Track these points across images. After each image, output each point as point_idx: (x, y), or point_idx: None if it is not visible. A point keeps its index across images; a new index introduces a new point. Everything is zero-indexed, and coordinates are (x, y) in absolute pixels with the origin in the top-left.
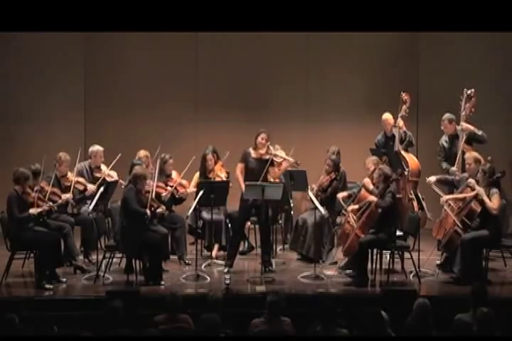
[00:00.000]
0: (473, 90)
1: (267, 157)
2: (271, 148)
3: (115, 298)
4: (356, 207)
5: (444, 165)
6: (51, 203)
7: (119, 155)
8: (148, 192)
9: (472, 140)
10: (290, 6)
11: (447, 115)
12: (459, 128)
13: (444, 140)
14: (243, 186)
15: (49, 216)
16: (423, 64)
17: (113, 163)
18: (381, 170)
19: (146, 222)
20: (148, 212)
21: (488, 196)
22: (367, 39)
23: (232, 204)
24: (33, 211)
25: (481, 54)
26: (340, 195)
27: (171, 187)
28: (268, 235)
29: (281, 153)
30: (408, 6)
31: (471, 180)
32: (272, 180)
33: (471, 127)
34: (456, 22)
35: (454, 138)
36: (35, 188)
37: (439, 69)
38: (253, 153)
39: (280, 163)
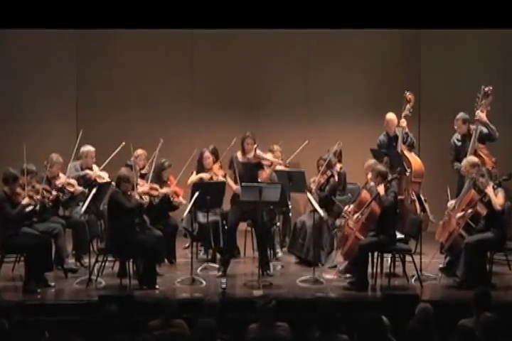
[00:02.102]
0: (490, 87)
1: (255, 161)
2: (258, 151)
3: (109, 302)
4: (358, 212)
5: (456, 165)
6: (40, 196)
7: (123, 143)
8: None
9: (484, 138)
10: (288, 2)
11: (461, 115)
12: (472, 126)
13: (455, 138)
14: (232, 184)
15: (40, 218)
16: (425, 62)
17: (114, 152)
18: (375, 170)
19: (135, 220)
20: (136, 196)
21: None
22: (367, 37)
23: (229, 205)
24: (25, 202)
25: (484, 52)
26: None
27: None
28: (266, 237)
29: (268, 156)
30: (409, 3)
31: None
32: None
33: (485, 118)
34: (458, 19)
35: (466, 137)
36: (27, 188)
37: (441, 67)
38: (240, 158)
39: (269, 166)
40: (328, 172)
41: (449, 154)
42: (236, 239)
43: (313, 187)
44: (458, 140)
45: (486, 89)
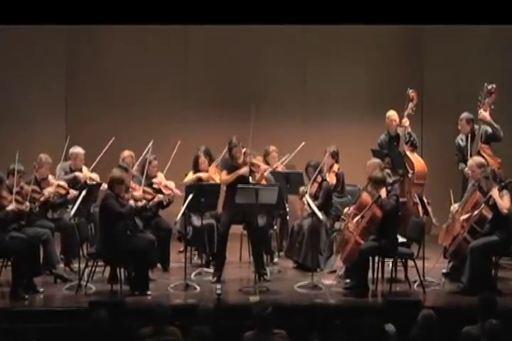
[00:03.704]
0: (494, 85)
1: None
2: (248, 156)
3: (99, 308)
4: (358, 216)
5: (461, 165)
6: (28, 203)
7: (113, 138)
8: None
9: (489, 138)
10: None
11: (465, 114)
12: (476, 126)
13: (460, 138)
14: (237, 172)
15: (28, 221)
16: (427, 60)
17: (104, 150)
18: (372, 178)
19: (130, 224)
20: (131, 202)
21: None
22: (368, 33)
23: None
24: (11, 207)
25: (489, 49)
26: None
27: (154, 189)
28: (260, 241)
29: (258, 161)
30: None
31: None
32: None
33: (489, 117)
34: (461, 15)
35: (470, 137)
36: (14, 190)
37: (444, 65)
38: (232, 162)
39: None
40: (319, 178)
41: (454, 155)
42: (227, 244)
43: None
44: (462, 140)
45: (490, 87)
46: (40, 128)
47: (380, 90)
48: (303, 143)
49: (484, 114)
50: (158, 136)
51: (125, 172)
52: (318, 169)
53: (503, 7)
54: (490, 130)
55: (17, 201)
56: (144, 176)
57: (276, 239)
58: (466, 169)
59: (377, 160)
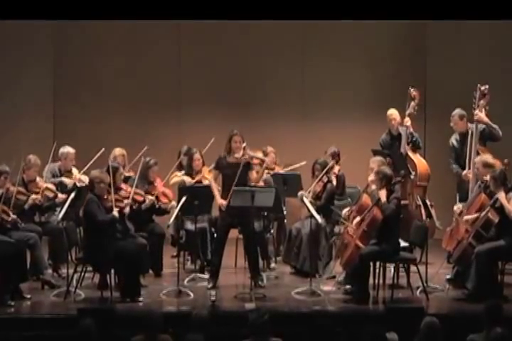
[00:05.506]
0: (487, 86)
1: (244, 160)
2: (247, 150)
3: (87, 316)
4: (358, 219)
5: (455, 168)
6: (14, 216)
7: (102, 150)
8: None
9: (486, 137)
10: None
11: (458, 111)
12: (471, 125)
13: (454, 138)
14: (217, 195)
15: (14, 225)
16: (431, 56)
17: (94, 158)
18: (380, 171)
19: (116, 227)
20: (115, 214)
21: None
22: (369, 29)
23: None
24: None
25: (494, 46)
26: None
27: (152, 195)
28: (259, 245)
29: (259, 154)
30: None
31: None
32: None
33: (486, 118)
34: (466, 10)
35: (465, 136)
36: (0, 191)
37: (449, 62)
38: (228, 158)
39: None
40: (325, 178)
41: (449, 156)
42: (224, 249)
43: (308, 195)
44: (456, 140)
45: (483, 88)
46: (27, 128)
47: (381, 90)
48: (303, 162)
49: (480, 114)
50: (151, 136)
51: (104, 172)
52: (326, 169)
53: (507, 3)
54: (486, 129)
55: (3, 211)
56: (137, 179)
57: (273, 244)
58: (465, 172)
59: (380, 158)
